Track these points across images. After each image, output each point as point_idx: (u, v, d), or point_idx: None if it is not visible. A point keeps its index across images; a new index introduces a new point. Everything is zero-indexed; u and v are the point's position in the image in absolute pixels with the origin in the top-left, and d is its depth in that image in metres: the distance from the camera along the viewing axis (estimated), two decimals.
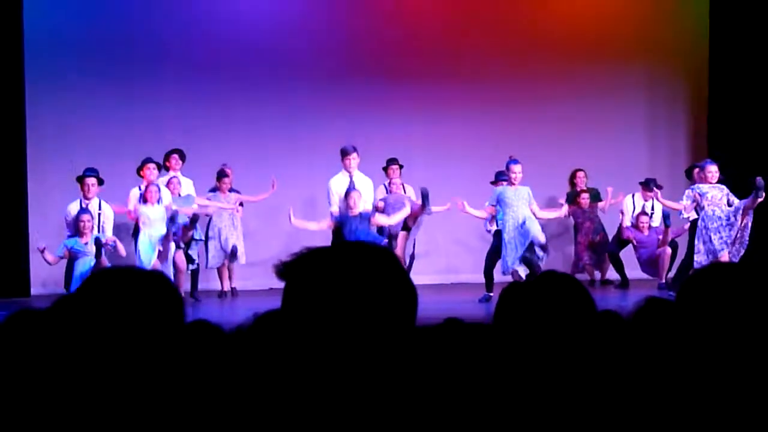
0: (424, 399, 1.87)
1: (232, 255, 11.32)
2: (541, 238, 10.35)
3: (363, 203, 10.46)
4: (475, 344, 2.16)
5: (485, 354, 2.13)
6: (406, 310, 1.81)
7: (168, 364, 1.87)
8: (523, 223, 10.33)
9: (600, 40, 13.08)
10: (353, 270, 1.78)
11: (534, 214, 10.57)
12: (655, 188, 11.36)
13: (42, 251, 9.88)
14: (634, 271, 11.99)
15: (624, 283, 11.99)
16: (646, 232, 11.73)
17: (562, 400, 2.06)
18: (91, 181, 10.17)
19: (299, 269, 1.81)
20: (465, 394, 2.02)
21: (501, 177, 11.15)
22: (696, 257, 10.56)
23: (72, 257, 9.93)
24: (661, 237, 11.55)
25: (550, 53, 12.83)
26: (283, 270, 1.82)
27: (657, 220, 11.79)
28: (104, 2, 12.03)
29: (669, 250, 11.57)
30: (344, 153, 10.72)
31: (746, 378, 2.02)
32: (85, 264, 9.75)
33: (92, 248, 9.85)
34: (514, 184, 10.56)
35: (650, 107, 13.36)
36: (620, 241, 12.02)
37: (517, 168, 10.60)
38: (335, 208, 10.59)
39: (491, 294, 10.40)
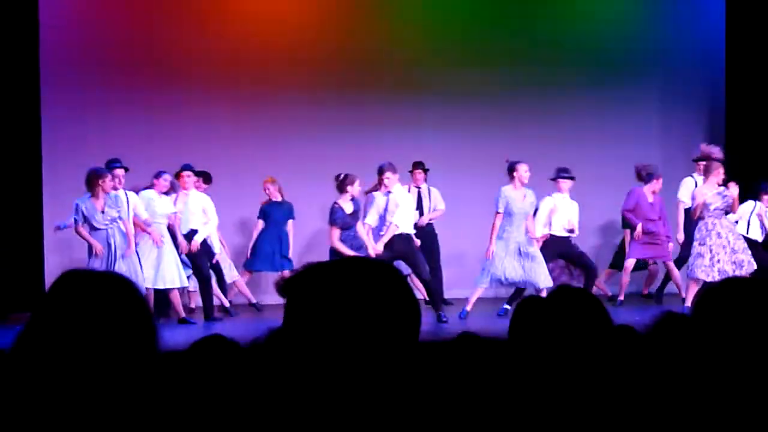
0: (435, 413, 1.86)
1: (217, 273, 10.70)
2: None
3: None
4: (489, 359, 2.15)
5: (499, 369, 2.12)
6: (408, 325, 1.80)
7: (135, 366, 1.87)
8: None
9: (616, 51, 13.04)
10: (353, 286, 1.78)
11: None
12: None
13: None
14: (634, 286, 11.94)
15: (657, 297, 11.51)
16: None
17: (577, 414, 2.05)
18: (120, 171, 9.84)
19: (301, 285, 1.81)
20: (479, 409, 2.01)
21: (562, 174, 10.79)
22: (700, 263, 9.88)
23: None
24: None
25: (566, 64, 12.81)
26: (285, 286, 1.82)
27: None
28: (122, 10, 12.03)
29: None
30: (386, 171, 10.23)
31: (763, 393, 2.01)
32: None
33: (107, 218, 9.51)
34: None
35: (665, 118, 13.31)
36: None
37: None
38: (371, 220, 10.38)
39: (509, 307, 10.23)
